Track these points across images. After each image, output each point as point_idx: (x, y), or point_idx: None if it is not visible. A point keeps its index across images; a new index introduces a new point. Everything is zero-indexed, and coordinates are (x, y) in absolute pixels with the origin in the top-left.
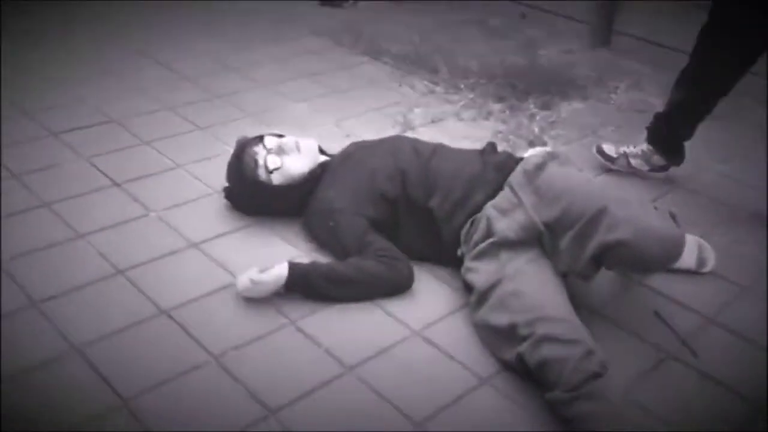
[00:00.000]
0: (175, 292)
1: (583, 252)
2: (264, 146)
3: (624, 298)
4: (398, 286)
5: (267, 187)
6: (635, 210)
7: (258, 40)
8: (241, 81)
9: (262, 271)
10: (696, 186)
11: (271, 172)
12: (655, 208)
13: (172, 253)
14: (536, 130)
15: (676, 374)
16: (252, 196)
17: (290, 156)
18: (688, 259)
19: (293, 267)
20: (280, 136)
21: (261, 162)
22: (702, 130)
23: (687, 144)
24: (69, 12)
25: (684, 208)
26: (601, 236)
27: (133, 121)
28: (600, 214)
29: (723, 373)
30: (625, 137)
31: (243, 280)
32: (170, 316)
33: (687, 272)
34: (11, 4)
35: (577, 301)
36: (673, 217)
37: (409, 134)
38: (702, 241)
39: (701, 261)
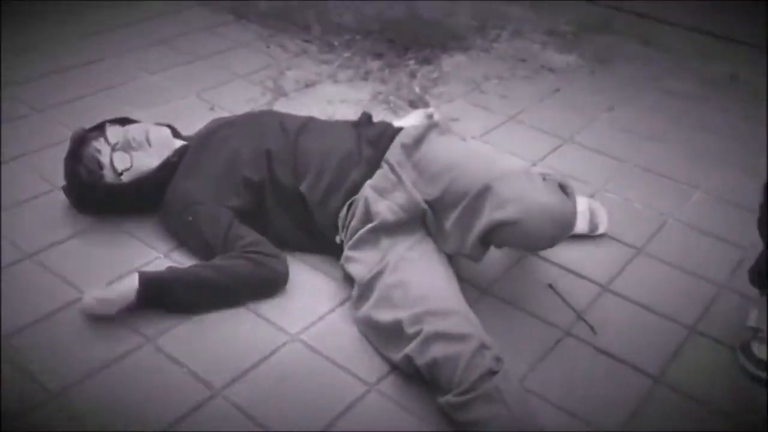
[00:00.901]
0: (6, 317)
1: (470, 233)
2: (107, 141)
3: (515, 272)
4: (273, 286)
5: (115, 188)
6: (523, 184)
7: (104, 2)
8: (86, 51)
9: (109, 283)
10: (583, 139)
11: (120, 174)
12: (544, 178)
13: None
14: (417, 89)
15: (574, 353)
16: (97, 198)
17: (139, 151)
18: (580, 223)
19: (145, 277)
20: (126, 120)
21: (106, 161)
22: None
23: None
24: None
25: (573, 163)
26: (488, 215)
27: None
28: (485, 191)
29: (621, 347)
30: (509, 90)
31: (87, 299)
32: (7, 346)
33: (580, 237)
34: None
35: (465, 281)
36: (563, 188)
37: (282, 101)
38: (594, 203)
39: (594, 224)
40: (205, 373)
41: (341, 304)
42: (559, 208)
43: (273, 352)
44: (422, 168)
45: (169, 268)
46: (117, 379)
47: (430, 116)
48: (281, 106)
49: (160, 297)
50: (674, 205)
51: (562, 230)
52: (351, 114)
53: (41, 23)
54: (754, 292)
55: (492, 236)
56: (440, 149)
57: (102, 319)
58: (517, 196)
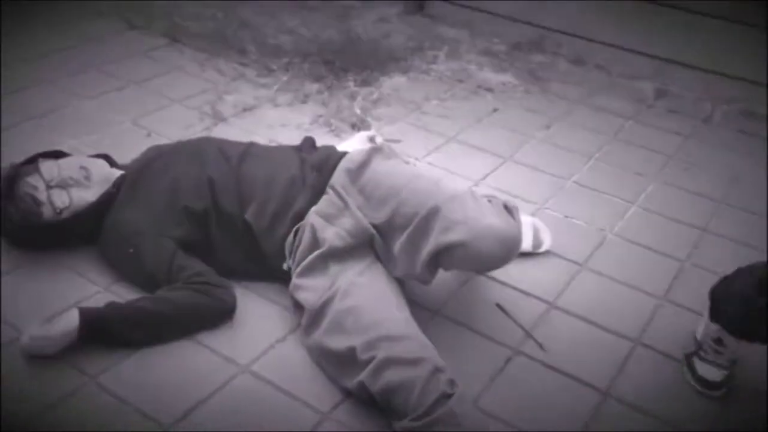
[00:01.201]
0: None
1: (419, 256)
2: (42, 177)
3: (464, 293)
4: (219, 316)
5: (52, 225)
6: (469, 207)
7: (31, 26)
8: (12, 78)
9: (47, 320)
10: (523, 157)
11: (59, 212)
12: (489, 200)
13: None
14: (358, 111)
15: (524, 371)
16: (34, 236)
17: (77, 187)
18: (524, 241)
19: (85, 313)
20: (58, 153)
21: (43, 199)
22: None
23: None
24: None
25: (513, 181)
26: (436, 238)
27: None
28: (432, 214)
29: (570, 362)
30: (448, 110)
31: (25, 338)
32: None
33: (524, 254)
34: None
35: (415, 303)
36: (508, 209)
37: (221, 126)
38: (537, 221)
39: (537, 242)
40: (153, 410)
41: (291, 332)
42: (505, 229)
43: (224, 385)
44: (368, 192)
45: (109, 302)
46: (61, 421)
47: (371, 139)
48: (220, 132)
49: (102, 333)
50: (612, 221)
51: (509, 251)
52: (293, 138)
53: None
54: (696, 305)
55: (441, 258)
56: (385, 173)
57: (42, 358)
58: (464, 218)
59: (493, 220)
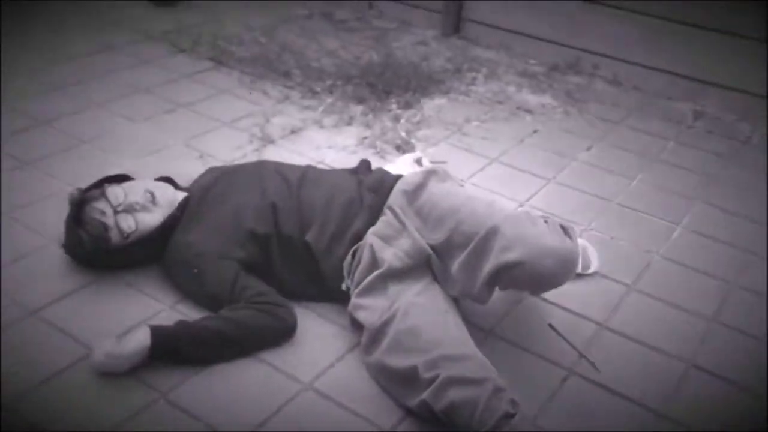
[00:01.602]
0: (15, 377)
1: (478, 276)
2: (108, 201)
3: (516, 313)
4: (281, 335)
5: (120, 248)
6: (527, 227)
7: (83, 51)
8: (69, 101)
9: (118, 339)
10: (566, 179)
11: (126, 237)
12: (545, 221)
13: (6, 327)
14: (403, 133)
15: (580, 392)
16: (101, 258)
17: (143, 212)
18: None
19: (157, 332)
20: (123, 177)
21: (110, 224)
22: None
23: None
24: None
25: (558, 203)
26: (495, 258)
27: None
28: (491, 234)
29: (624, 383)
30: (489, 132)
31: (98, 356)
32: (12, 410)
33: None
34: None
35: (468, 323)
36: (564, 229)
37: (270, 148)
38: (584, 242)
39: (586, 263)
40: (222, 426)
41: (350, 350)
42: (563, 249)
43: (287, 402)
44: (425, 214)
45: (179, 321)
46: None
47: (418, 161)
48: (269, 153)
49: (172, 352)
50: (658, 242)
51: (567, 271)
52: (339, 159)
53: (14, 77)
54: (746, 326)
55: (499, 278)
56: (441, 195)
57: (113, 375)
58: (522, 238)
59: (551, 240)
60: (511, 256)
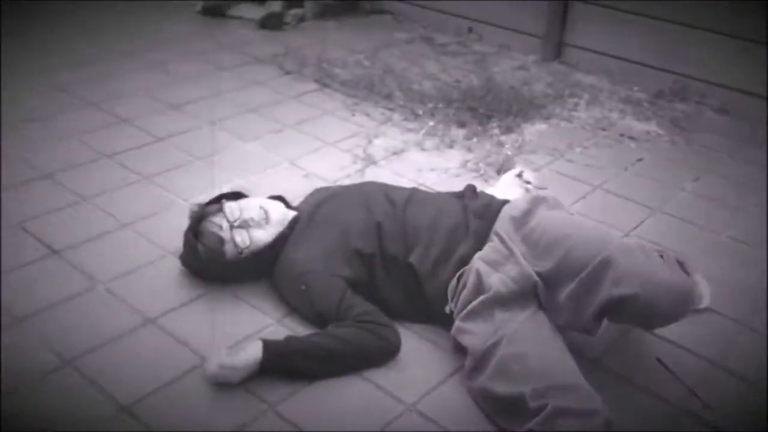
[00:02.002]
0: (133, 382)
1: (587, 307)
2: (225, 216)
3: (622, 345)
4: (386, 355)
5: (233, 262)
6: (641, 260)
7: (196, 72)
8: (184, 120)
9: (231, 350)
10: (672, 209)
11: (240, 252)
12: (661, 255)
13: (126, 333)
14: (509, 152)
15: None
16: (215, 271)
17: (257, 228)
18: None
19: (268, 347)
20: (238, 195)
21: (227, 238)
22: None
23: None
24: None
25: (664, 234)
26: (607, 290)
27: (69, 175)
28: (603, 265)
29: (736, 424)
30: (592, 158)
31: (212, 367)
32: (131, 414)
33: None
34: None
35: (574, 353)
36: (680, 263)
37: (372, 169)
38: (697, 276)
39: (697, 297)
40: None
41: (452, 374)
42: (679, 284)
43: (391, 422)
44: (532, 241)
45: (288, 336)
46: None
47: (519, 176)
48: (372, 174)
49: (281, 365)
50: None
51: (683, 308)
52: (440, 182)
53: (137, 97)
54: None
55: (610, 311)
56: (550, 222)
57: (225, 386)
58: (636, 271)
59: (666, 275)
60: (625, 289)
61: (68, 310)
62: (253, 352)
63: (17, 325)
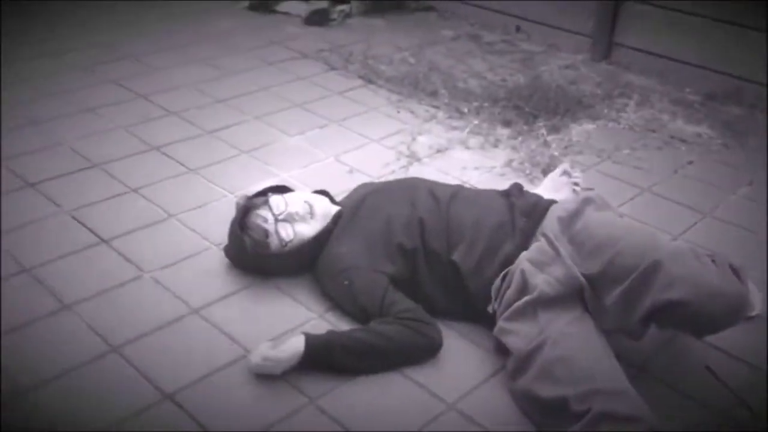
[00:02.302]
0: (178, 371)
1: (635, 311)
2: (271, 210)
3: (669, 350)
4: (428, 353)
5: (277, 255)
6: (693, 265)
7: (242, 67)
8: (230, 114)
9: (274, 343)
10: (724, 214)
11: (285, 245)
12: (713, 261)
13: (172, 322)
14: (556, 153)
15: None
16: (259, 263)
17: (301, 222)
18: None
19: (311, 340)
20: (283, 188)
21: (272, 231)
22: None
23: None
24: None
25: (714, 239)
26: (656, 295)
27: (117, 165)
28: (653, 269)
29: None
30: (641, 161)
31: (255, 358)
32: (175, 402)
33: None
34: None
35: (619, 358)
36: (734, 270)
37: (416, 166)
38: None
39: (750, 305)
40: None
41: (494, 374)
42: (732, 291)
43: (431, 421)
44: (579, 242)
45: (330, 331)
46: None
47: (565, 172)
48: (416, 171)
49: (323, 359)
50: None
51: (735, 315)
52: (483, 180)
53: (185, 91)
54: None
55: (658, 316)
56: (599, 223)
57: (267, 378)
58: (688, 276)
59: (719, 280)
60: (675, 294)
61: (115, 297)
62: (296, 345)
63: (67, 311)
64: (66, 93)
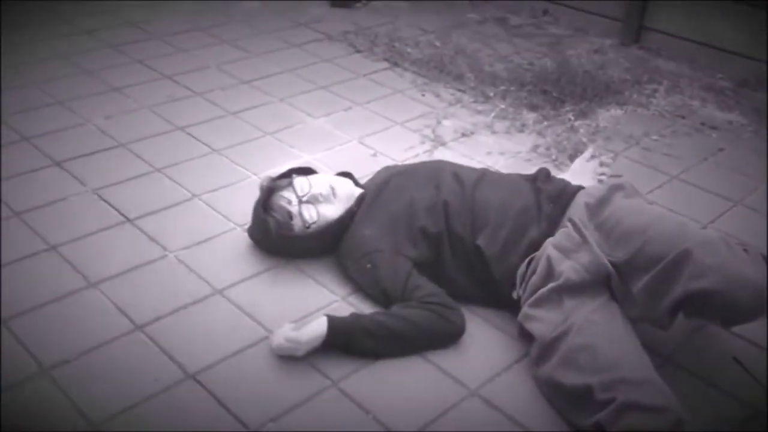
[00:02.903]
0: (201, 350)
1: (663, 300)
2: (295, 191)
3: (696, 341)
4: (451, 338)
5: (301, 237)
6: (724, 254)
7: (267, 48)
8: (254, 95)
9: (296, 324)
10: (755, 203)
11: (308, 227)
12: (745, 250)
13: (195, 302)
14: (584, 140)
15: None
16: (282, 244)
17: (325, 204)
18: None
19: (333, 323)
20: (307, 170)
21: (295, 212)
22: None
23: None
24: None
25: (745, 229)
26: (685, 284)
27: (142, 145)
28: (683, 257)
29: None
30: (670, 147)
31: (278, 339)
32: (198, 381)
33: None
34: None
35: (646, 347)
36: (766, 260)
37: (441, 150)
38: None
39: None
40: (390, 422)
41: (517, 360)
42: (764, 282)
43: (453, 406)
44: (607, 229)
45: (353, 314)
46: (305, 421)
47: (592, 156)
48: (440, 155)
49: (345, 342)
50: None
51: (765, 306)
52: (509, 165)
53: (209, 72)
54: None
55: (686, 305)
56: (627, 211)
57: (289, 359)
58: (718, 266)
59: (751, 270)
60: (704, 284)
61: (140, 276)
62: (318, 327)
63: (92, 289)
64: (94, 72)
